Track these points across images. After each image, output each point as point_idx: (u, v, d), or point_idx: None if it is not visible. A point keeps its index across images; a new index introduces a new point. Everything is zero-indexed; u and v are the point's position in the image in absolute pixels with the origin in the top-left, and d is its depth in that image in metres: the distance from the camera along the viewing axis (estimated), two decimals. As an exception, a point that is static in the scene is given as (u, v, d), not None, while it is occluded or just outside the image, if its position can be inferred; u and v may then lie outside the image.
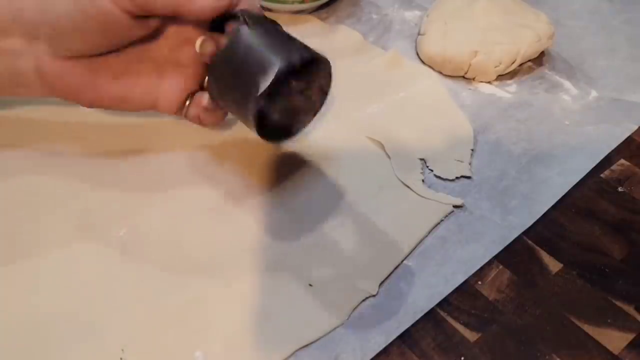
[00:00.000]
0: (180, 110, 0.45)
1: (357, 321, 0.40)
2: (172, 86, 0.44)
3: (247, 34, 0.40)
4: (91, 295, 0.41)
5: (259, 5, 0.43)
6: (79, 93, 0.43)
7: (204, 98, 0.44)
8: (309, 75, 0.42)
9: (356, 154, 0.51)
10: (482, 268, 0.44)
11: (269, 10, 0.65)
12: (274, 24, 0.43)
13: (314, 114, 0.45)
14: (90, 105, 0.45)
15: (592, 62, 0.61)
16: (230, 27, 0.41)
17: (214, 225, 0.45)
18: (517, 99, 0.58)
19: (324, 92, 0.44)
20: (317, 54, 0.41)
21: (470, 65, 0.58)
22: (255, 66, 0.39)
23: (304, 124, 0.45)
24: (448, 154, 0.51)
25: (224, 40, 0.41)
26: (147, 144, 0.51)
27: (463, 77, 0.59)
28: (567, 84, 0.59)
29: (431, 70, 0.60)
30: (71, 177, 0.48)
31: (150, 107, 0.45)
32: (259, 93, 0.39)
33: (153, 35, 0.43)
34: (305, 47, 0.41)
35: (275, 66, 0.38)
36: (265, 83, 0.38)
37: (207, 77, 0.43)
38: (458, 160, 0.51)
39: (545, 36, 0.59)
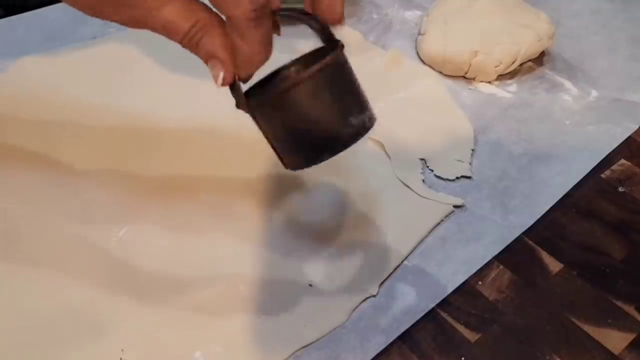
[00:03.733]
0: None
1: (357, 321, 0.40)
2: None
3: (306, 87, 0.33)
4: (91, 295, 0.41)
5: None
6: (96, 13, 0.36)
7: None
8: None
9: (356, 154, 0.51)
10: (482, 268, 0.44)
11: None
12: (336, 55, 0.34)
13: None
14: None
15: (592, 62, 0.61)
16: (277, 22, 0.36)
17: (213, 225, 0.45)
18: (517, 99, 0.58)
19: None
20: (368, 128, 0.35)
21: (470, 65, 0.58)
22: (301, 139, 0.34)
23: None
24: (448, 154, 0.51)
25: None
26: (148, 145, 0.51)
27: (463, 77, 0.59)
28: (567, 83, 0.59)
29: (431, 70, 0.60)
30: (71, 177, 0.48)
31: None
32: (306, 165, 0.35)
33: None
34: (361, 113, 0.35)
35: (317, 158, 0.34)
36: (302, 165, 0.35)
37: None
38: (458, 160, 0.51)
39: (546, 36, 0.59)
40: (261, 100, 0.34)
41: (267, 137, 0.36)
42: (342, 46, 0.35)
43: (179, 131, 0.52)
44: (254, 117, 0.35)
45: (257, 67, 0.34)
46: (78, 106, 0.54)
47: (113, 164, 0.49)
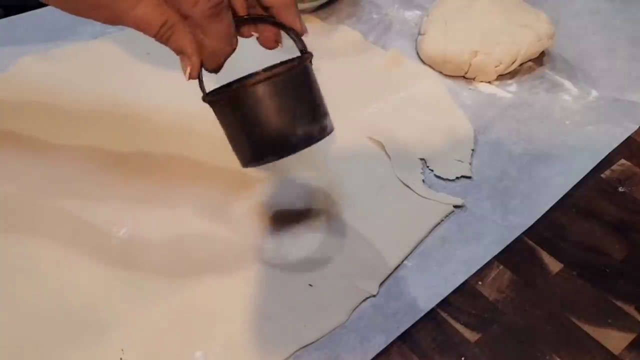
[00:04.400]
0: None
1: (357, 321, 0.40)
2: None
3: (280, 87, 0.36)
4: (91, 295, 0.41)
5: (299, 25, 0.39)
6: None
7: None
8: None
9: (356, 154, 0.51)
10: (482, 268, 0.44)
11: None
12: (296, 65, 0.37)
13: None
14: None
15: (592, 62, 0.61)
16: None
17: (213, 225, 0.45)
18: (517, 99, 0.58)
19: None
20: (324, 134, 0.38)
21: (470, 65, 0.58)
22: (261, 133, 0.36)
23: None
24: (448, 154, 0.51)
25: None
26: (148, 144, 0.51)
27: (463, 77, 0.59)
28: (567, 83, 0.59)
29: (431, 70, 0.60)
30: (71, 176, 0.48)
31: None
32: (253, 164, 0.37)
33: None
34: (319, 115, 0.37)
35: (263, 159, 0.37)
36: (263, 160, 0.37)
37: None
38: (458, 160, 0.51)
39: (546, 36, 0.59)
40: (217, 97, 0.37)
41: (226, 134, 0.38)
42: (307, 58, 0.37)
43: (178, 130, 0.52)
44: (214, 111, 0.37)
45: (224, 59, 0.37)
46: (77, 106, 0.54)
47: (113, 164, 0.49)
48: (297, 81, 0.36)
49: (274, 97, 0.35)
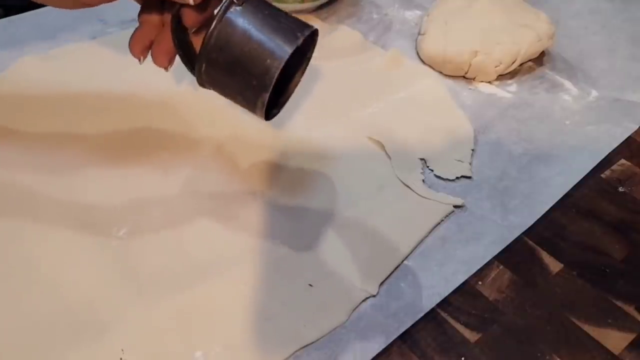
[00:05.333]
0: None
1: (357, 321, 0.40)
2: None
3: (242, 14, 0.37)
4: (91, 295, 0.41)
5: None
6: None
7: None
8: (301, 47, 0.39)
9: (356, 154, 0.51)
10: (482, 268, 0.44)
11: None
12: None
13: (297, 83, 0.43)
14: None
15: (592, 62, 0.61)
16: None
17: (214, 226, 0.45)
18: (517, 99, 0.58)
19: (307, 58, 0.42)
20: (310, 27, 0.39)
21: (470, 65, 0.58)
22: (260, 53, 0.37)
23: (289, 93, 0.43)
24: (448, 154, 0.51)
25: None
26: (148, 143, 0.51)
27: (463, 77, 0.59)
28: (567, 83, 0.59)
29: (431, 70, 0.60)
30: (72, 177, 0.48)
31: None
32: (270, 84, 0.37)
33: None
34: (299, 23, 0.39)
35: (283, 53, 0.36)
36: (274, 72, 0.36)
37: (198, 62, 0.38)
38: (458, 160, 0.51)
39: (546, 36, 0.59)
40: (200, 65, 0.37)
41: (231, 98, 0.39)
42: None
43: (179, 129, 0.52)
44: (210, 85, 0.39)
45: None
46: (77, 105, 0.54)
47: (113, 164, 0.49)
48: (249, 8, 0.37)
49: (235, 32, 0.36)
